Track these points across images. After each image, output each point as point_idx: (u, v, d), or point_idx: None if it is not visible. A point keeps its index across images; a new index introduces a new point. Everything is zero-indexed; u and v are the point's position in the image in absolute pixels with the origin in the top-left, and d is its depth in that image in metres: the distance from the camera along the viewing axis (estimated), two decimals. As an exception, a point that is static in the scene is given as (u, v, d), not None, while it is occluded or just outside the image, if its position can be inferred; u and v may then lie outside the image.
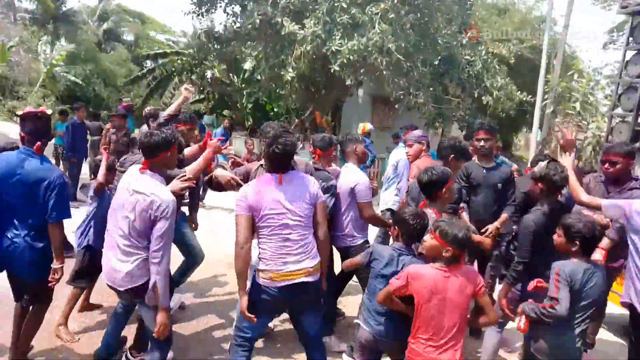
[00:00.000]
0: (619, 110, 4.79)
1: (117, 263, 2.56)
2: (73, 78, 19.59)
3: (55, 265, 2.81)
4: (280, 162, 2.61)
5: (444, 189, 2.76)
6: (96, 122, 11.26)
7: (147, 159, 2.60)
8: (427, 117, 10.35)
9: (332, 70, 8.67)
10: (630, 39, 4.57)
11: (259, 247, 2.63)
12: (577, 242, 2.46)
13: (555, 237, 2.60)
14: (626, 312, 4.36)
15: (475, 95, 10.86)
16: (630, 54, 4.62)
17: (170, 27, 34.56)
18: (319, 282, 2.67)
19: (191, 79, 14.76)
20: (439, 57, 10.22)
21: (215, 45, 11.76)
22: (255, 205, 2.56)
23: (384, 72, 8.92)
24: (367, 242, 3.52)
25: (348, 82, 9.60)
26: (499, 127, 15.04)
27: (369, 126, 7.93)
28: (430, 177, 2.76)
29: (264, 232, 2.59)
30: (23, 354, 3.02)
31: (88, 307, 3.86)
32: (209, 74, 14.11)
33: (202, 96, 17.71)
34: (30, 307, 2.98)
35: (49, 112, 2.89)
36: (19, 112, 2.88)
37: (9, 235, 2.77)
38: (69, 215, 2.83)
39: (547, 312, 2.42)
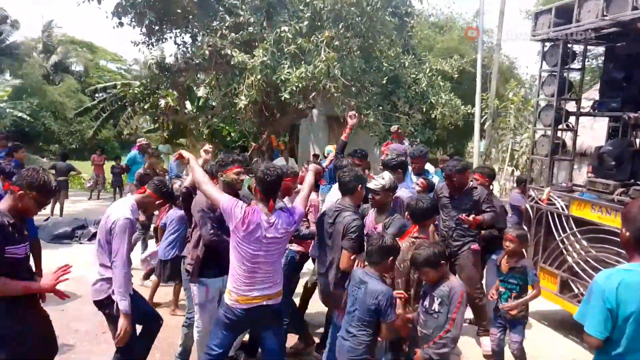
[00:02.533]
0: (540, 125, 5.31)
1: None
2: (19, 113, 18.98)
3: None
4: (272, 188, 2.90)
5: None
6: (63, 163, 11.01)
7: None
8: (379, 134, 10.79)
9: (282, 98, 8.97)
10: (544, 62, 5.11)
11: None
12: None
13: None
14: (557, 307, 4.75)
15: (424, 111, 11.43)
16: (544, 74, 5.15)
17: (121, 55, 33.99)
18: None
19: (144, 109, 14.68)
20: (386, 78, 10.72)
21: (167, 75, 11.80)
22: (237, 225, 2.84)
23: (335, 95, 9.29)
24: None
25: (301, 106, 9.91)
26: (450, 138, 15.53)
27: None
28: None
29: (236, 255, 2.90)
30: None
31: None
32: (162, 102, 14.07)
33: (156, 125, 17.58)
34: None
35: None
36: None
37: None
38: None
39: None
